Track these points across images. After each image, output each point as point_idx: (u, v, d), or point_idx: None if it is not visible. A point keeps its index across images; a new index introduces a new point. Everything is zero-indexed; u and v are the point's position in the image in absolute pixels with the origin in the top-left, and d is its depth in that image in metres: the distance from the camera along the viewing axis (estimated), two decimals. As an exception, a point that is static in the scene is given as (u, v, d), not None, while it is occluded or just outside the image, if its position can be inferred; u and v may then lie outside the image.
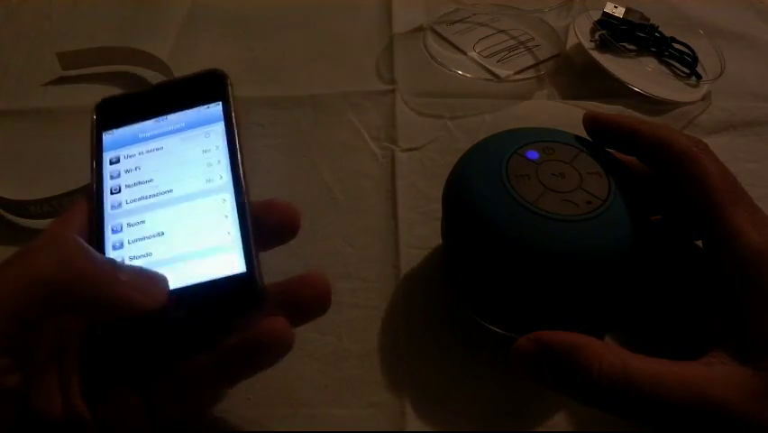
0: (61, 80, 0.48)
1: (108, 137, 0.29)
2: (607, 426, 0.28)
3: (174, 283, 0.25)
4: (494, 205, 0.28)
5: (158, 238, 0.26)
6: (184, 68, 0.44)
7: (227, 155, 0.27)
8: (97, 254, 0.24)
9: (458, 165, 0.31)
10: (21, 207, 0.37)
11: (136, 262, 0.25)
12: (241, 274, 0.25)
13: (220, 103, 0.28)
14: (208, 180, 0.27)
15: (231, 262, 0.25)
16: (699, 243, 0.29)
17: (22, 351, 0.22)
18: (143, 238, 0.26)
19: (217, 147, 0.27)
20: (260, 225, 0.26)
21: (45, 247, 0.23)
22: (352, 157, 0.42)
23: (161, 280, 0.25)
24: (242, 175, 0.26)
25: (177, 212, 0.27)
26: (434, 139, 0.43)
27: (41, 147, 0.43)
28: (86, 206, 0.27)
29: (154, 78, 0.47)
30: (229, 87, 0.28)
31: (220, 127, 0.28)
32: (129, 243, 0.26)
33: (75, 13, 0.54)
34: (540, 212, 0.27)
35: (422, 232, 0.37)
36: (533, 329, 0.25)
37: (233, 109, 0.28)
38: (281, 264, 0.26)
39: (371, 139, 0.43)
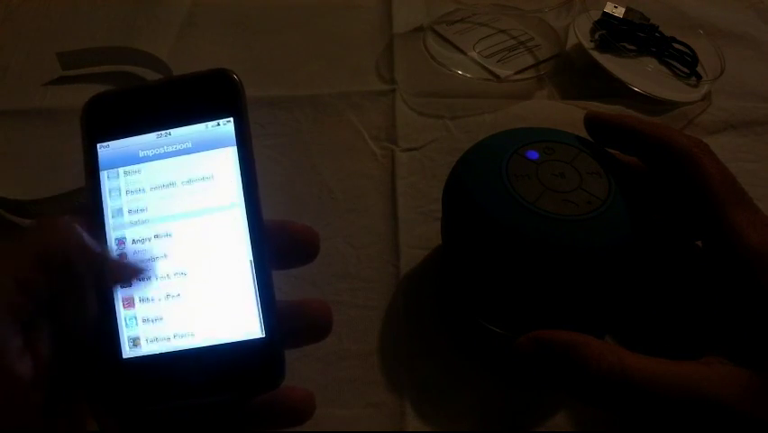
0: (61, 80, 0.48)
1: (104, 153, 0.25)
2: (607, 426, 0.28)
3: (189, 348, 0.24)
4: (494, 205, 0.28)
5: (169, 301, 0.24)
6: (184, 68, 0.44)
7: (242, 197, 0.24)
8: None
9: (458, 165, 0.31)
10: (21, 207, 0.37)
11: (148, 328, 0.24)
12: (261, 347, 0.23)
13: (232, 120, 0.26)
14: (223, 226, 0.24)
15: (249, 331, 0.24)
16: (700, 243, 0.29)
17: (32, 331, 0.22)
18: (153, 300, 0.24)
19: (231, 190, 0.24)
20: (278, 247, 0.25)
21: (33, 227, 0.23)
22: (352, 157, 0.42)
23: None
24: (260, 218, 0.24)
25: (189, 269, 0.24)
26: (434, 139, 0.43)
27: (41, 147, 0.43)
28: None
29: (154, 77, 0.47)
30: (243, 101, 0.26)
31: (234, 163, 0.25)
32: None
33: (75, 13, 0.54)
34: (540, 212, 0.27)
35: (422, 232, 0.37)
36: (533, 329, 0.25)
37: (249, 135, 0.25)
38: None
39: (371, 139, 0.43)
